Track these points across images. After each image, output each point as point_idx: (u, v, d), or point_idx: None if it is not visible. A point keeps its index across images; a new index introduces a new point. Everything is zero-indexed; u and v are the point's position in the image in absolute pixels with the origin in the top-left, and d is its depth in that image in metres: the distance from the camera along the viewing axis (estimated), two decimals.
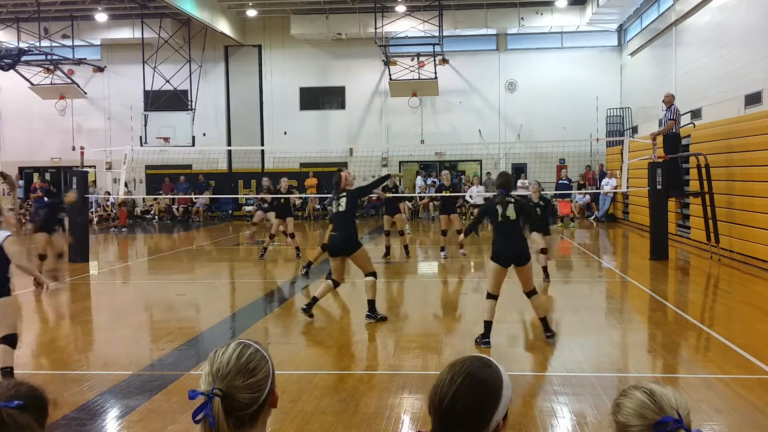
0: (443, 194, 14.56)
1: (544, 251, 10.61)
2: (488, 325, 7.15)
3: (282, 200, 14.84)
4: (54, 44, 25.13)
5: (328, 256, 8.78)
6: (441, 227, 14.65)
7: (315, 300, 8.42)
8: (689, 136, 16.16)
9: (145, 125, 24.30)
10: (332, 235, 8.67)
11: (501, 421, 1.66)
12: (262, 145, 26.89)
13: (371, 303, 8.40)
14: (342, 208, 8.42)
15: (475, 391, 1.64)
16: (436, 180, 26.63)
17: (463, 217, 22.78)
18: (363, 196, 8.62)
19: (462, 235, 8.35)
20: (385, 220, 14.71)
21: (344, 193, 8.51)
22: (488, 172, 26.15)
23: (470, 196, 18.40)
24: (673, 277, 12.41)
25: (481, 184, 20.95)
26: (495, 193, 7.44)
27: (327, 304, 9.95)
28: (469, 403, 1.63)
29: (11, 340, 5.54)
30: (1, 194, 14.07)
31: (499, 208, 7.17)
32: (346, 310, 9.78)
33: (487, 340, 7.09)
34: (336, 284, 8.50)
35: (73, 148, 25.71)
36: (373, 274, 8.47)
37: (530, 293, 7.32)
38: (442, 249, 14.49)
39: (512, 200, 7.23)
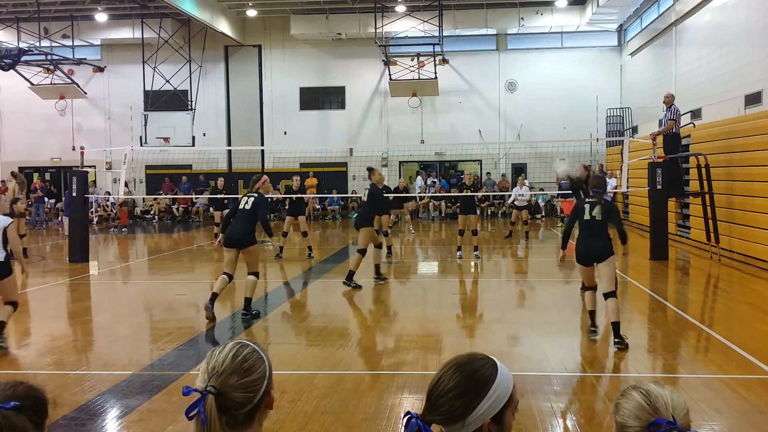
0: (464, 194, 14.25)
1: None
2: (592, 314, 7.45)
3: (294, 198, 15.01)
4: (54, 44, 25.13)
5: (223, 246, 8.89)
6: (459, 227, 14.54)
7: (215, 296, 8.60)
8: (689, 136, 16.15)
9: (145, 125, 24.30)
10: (231, 226, 8.82)
11: (489, 420, 1.64)
12: (262, 145, 26.89)
13: (248, 300, 8.70)
14: (248, 207, 8.76)
15: (457, 377, 1.65)
16: (435, 180, 26.65)
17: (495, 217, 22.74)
18: (262, 214, 8.76)
19: (561, 250, 7.76)
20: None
21: (256, 194, 8.89)
22: (488, 172, 26.17)
23: (514, 198, 18.20)
24: (673, 277, 12.41)
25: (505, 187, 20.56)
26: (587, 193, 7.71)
27: (327, 304, 9.96)
28: (449, 387, 1.65)
29: (15, 305, 7.40)
30: (16, 192, 14.43)
31: (587, 207, 7.28)
32: (346, 310, 9.78)
33: (594, 329, 7.39)
34: (230, 278, 8.72)
35: (73, 148, 25.73)
36: (256, 274, 8.77)
37: (608, 294, 7.12)
38: (458, 249, 14.56)
39: (601, 202, 7.34)
